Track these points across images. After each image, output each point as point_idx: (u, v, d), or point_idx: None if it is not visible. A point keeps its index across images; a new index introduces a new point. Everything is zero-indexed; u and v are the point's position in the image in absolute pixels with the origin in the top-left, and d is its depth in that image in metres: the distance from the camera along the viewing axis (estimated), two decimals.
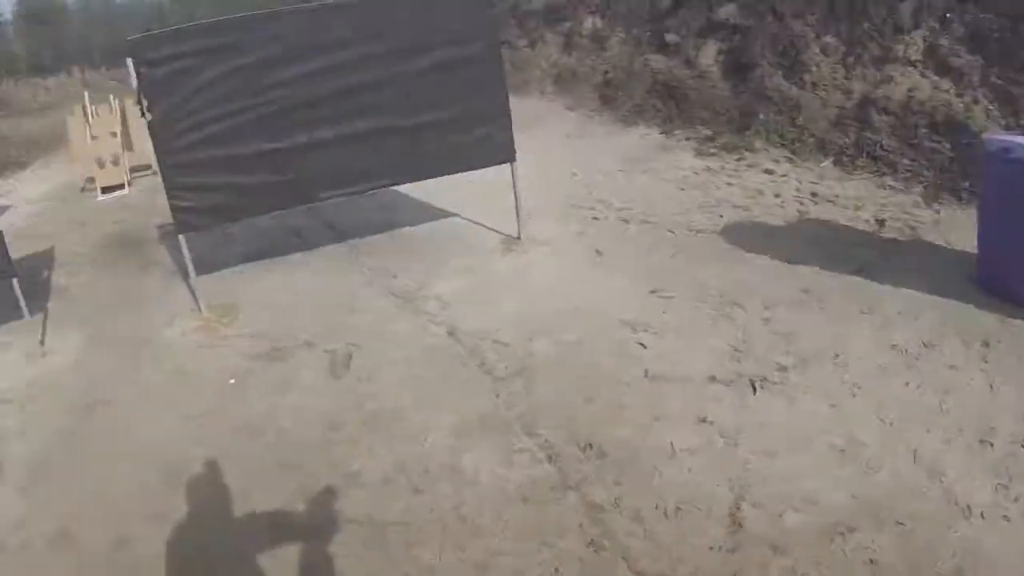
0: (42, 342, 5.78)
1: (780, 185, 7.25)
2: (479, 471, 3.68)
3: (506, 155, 6.20)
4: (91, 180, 10.02)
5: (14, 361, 5.59)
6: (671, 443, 3.69)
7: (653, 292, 5.27)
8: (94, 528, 3.60)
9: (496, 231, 6.74)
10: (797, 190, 7.02)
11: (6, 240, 5.73)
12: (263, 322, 5.58)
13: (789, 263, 5.43)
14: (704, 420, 3.84)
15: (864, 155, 7.42)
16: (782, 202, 6.87)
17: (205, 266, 6.44)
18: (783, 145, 8.13)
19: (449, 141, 5.90)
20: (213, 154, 5.42)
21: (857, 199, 6.53)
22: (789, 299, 4.92)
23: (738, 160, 8.00)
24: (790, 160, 7.78)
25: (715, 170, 7.85)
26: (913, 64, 7.72)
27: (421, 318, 5.34)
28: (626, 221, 6.76)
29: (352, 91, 5.58)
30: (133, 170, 10.32)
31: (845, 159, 7.54)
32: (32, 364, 5.49)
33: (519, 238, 6.46)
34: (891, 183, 6.71)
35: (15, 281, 5.78)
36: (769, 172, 7.59)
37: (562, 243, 6.42)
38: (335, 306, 5.69)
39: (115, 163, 9.66)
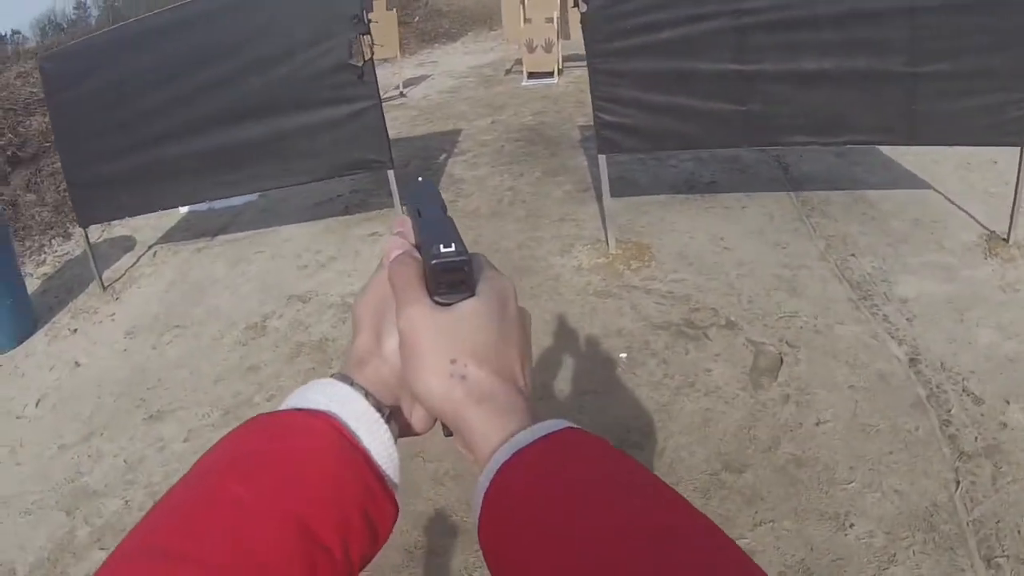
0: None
1: None
2: None
3: (1017, 136, 4.60)
4: (519, 62, 9.89)
5: (376, 259, 5.44)
6: None
7: None
8: None
9: (978, 222, 5.21)
10: None
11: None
12: (678, 278, 4.71)
13: None
14: None
15: None
16: None
17: (621, 187, 5.72)
18: None
19: (950, 103, 4.45)
20: (658, 65, 4.50)
21: None
22: None
23: None
24: None
25: None
26: None
27: (878, 325, 4.16)
28: None
29: (851, 19, 4.28)
30: (567, 59, 9.84)
31: None
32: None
33: (1008, 240, 4.92)
34: None
35: (390, 173, 5.35)
36: None
37: None
38: (772, 278, 4.64)
39: (547, 49, 9.32)
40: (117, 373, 4.64)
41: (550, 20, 9.27)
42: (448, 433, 0.57)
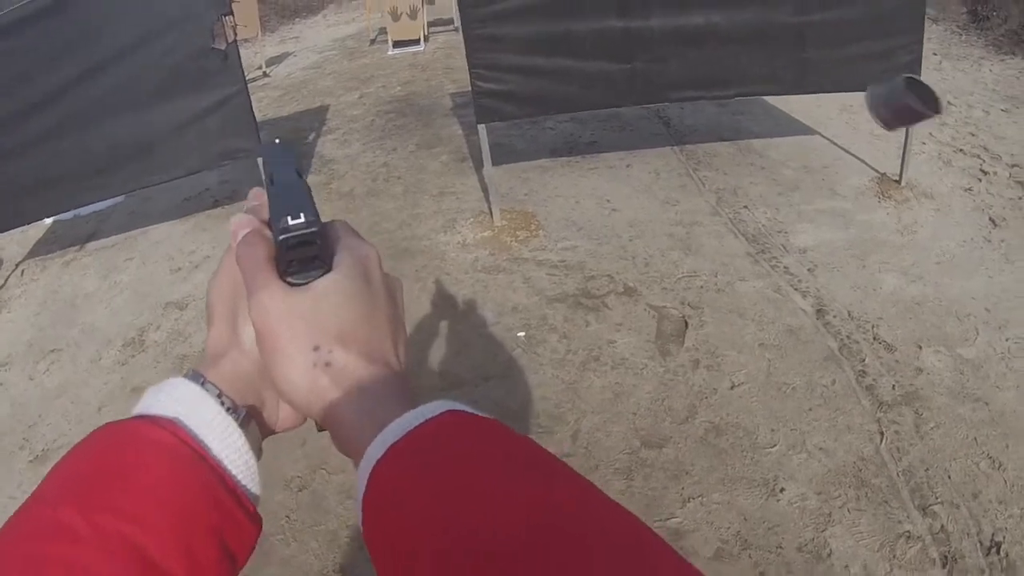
0: None
1: None
2: (851, 564, 2.47)
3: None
4: (383, 31, 9.35)
5: None
6: None
7: None
8: None
9: (868, 165, 5.18)
10: None
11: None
12: (568, 245, 4.42)
13: None
14: None
15: None
16: None
17: (500, 154, 5.37)
18: None
19: (840, 51, 4.33)
20: (538, 28, 4.16)
21: None
22: None
23: None
24: None
25: None
26: None
27: (779, 278, 4.01)
28: (1021, 183, 5.01)
29: None
30: (431, 25, 9.43)
31: None
32: None
33: (899, 182, 4.90)
34: None
35: (260, 160, 4.89)
36: None
37: (948, 198, 4.76)
38: (665, 237, 4.41)
39: (412, 16, 8.82)
40: None
41: None
42: (321, 428, 0.51)
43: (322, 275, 0.49)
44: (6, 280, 5.46)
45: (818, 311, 3.72)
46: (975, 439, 2.91)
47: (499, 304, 3.95)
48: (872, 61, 4.39)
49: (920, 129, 5.33)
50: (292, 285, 0.49)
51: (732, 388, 3.27)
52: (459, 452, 0.42)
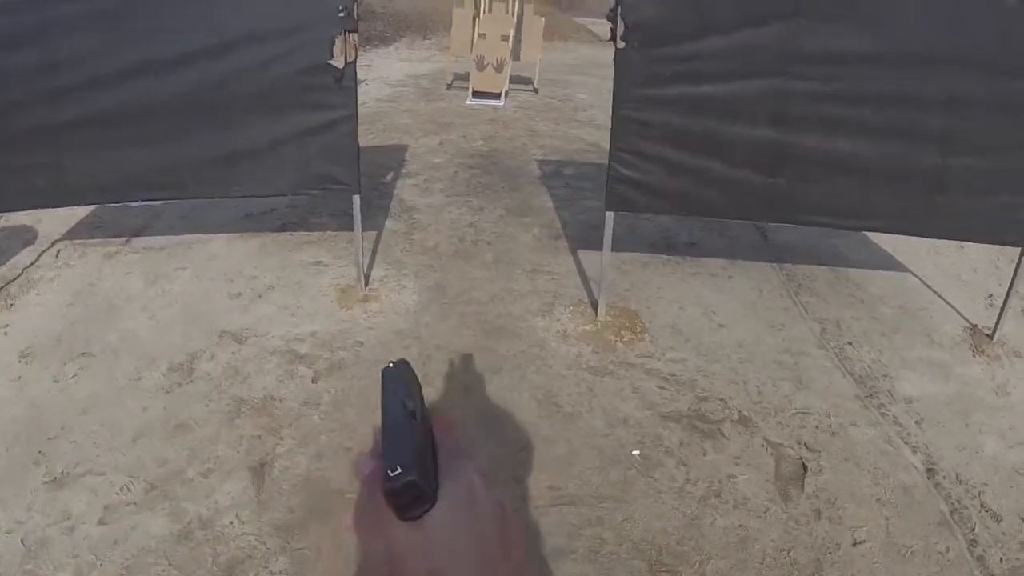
0: (365, 281, 4.78)
1: None
2: None
3: (1019, 236, 4.54)
4: (459, 77, 9.33)
5: (322, 294, 4.67)
6: None
7: None
8: None
9: (959, 313, 5.15)
10: None
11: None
12: (677, 357, 4.33)
13: None
14: None
15: None
16: None
17: (590, 237, 5.32)
18: None
19: (970, 199, 4.31)
20: (692, 121, 4.05)
21: None
22: None
23: None
24: None
25: None
26: None
27: (889, 428, 3.92)
28: None
29: (894, 101, 4.04)
30: (512, 81, 9.41)
31: None
32: (345, 308, 4.57)
33: (992, 337, 4.86)
34: None
35: (356, 198, 4.44)
36: None
37: None
38: (775, 365, 4.34)
39: (499, 69, 8.80)
40: (10, 408, 3.73)
41: (506, 38, 8.76)
42: None
43: (428, 510, 0.54)
44: (39, 257, 5.25)
45: (928, 470, 3.65)
46: None
47: (608, 413, 3.84)
48: (994, 213, 4.38)
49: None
50: (407, 520, 0.54)
51: (855, 545, 3.17)
52: None
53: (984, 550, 3.19)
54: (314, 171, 4.31)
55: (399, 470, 0.53)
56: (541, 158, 7.30)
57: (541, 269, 5.21)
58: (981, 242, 4.83)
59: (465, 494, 0.56)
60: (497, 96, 8.93)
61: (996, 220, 4.42)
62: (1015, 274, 4.66)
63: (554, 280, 5.06)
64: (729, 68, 3.93)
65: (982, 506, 3.46)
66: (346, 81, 4.14)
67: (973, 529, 3.31)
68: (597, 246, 5.39)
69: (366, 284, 4.76)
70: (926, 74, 3.97)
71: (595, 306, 4.73)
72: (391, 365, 0.67)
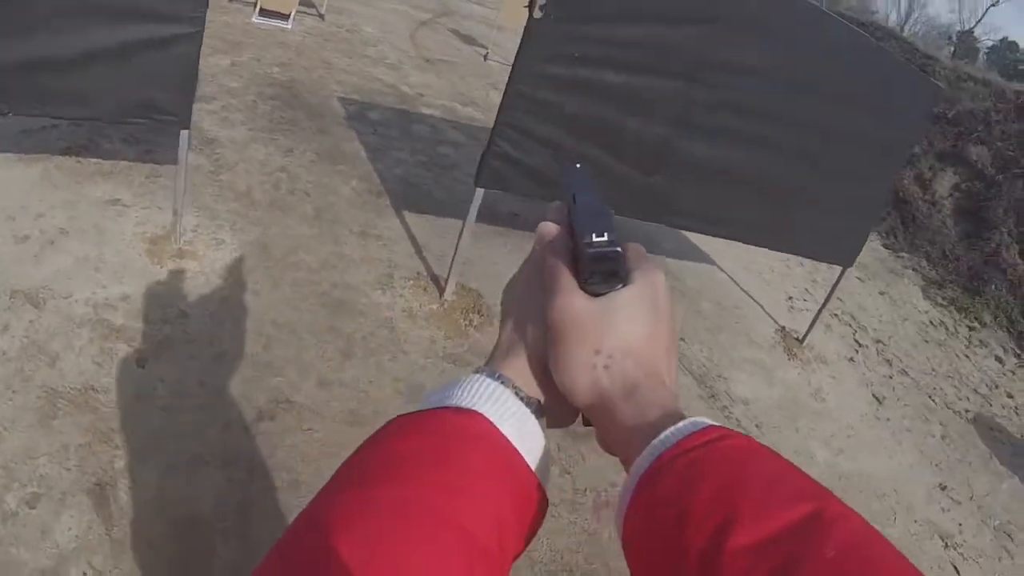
0: (177, 228, 3.84)
1: (1011, 383, 6.60)
2: None
3: (847, 258, 4.92)
4: None
5: (128, 245, 3.73)
6: None
7: (942, 488, 4.44)
8: None
9: (767, 313, 5.51)
10: None
11: None
12: None
13: None
14: None
15: None
16: (1016, 408, 6.16)
17: (414, 197, 4.94)
18: (1010, 333, 7.36)
19: (807, 219, 4.55)
20: (589, 108, 3.70)
21: None
22: None
23: (970, 330, 7.17)
24: (1017, 356, 7.09)
25: (950, 330, 7.00)
26: None
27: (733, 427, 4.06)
28: (888, 363, 5.73)
29: (776, 117, 4.09)
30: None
31: None
32: (157, 263, 3.68)
33: (801, 341, 5.26)
34: None
35: (183, 134, 3.52)
36: (1000, 361, 6.90)
37: (838, 366, 5.30)
38: None
39: None
40: None
41: None
42: (588, 423, 0.57)
43: (618, 289, 0.54)
44: None
45: None
46: None
47: None
48: (823, 233, 4.68)
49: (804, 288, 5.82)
50: (590, 293, 0.54)
51: None
52: (737, 454, 0.46)
53: None
54: (139, 96, 3.30)
55: (605, 236, 0.53)
56: (343, 96, 6.57)
57: (369, 232, 4.62)
58: (817, 259, 5.17)
59: (651, 288, 0.55)
60: (285, 17, 7.90)
61: (836, 241, 4.73)
62: (832, 289, 5.06)
63: (386, 247, 4.52)
64: (641, 61, 3.67)
65: None
66: None
67: None
68: (422, 208, 5.02)
69: (180, 236, 3.83)
70: (806, 98, 4.06)
71: (434, 279, 4.32)
72: (578, 166, 0.65)
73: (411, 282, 4.26)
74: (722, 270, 5.91)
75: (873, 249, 8.09)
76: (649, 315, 0.53)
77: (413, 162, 5.82)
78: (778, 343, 5.15)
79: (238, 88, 6.00)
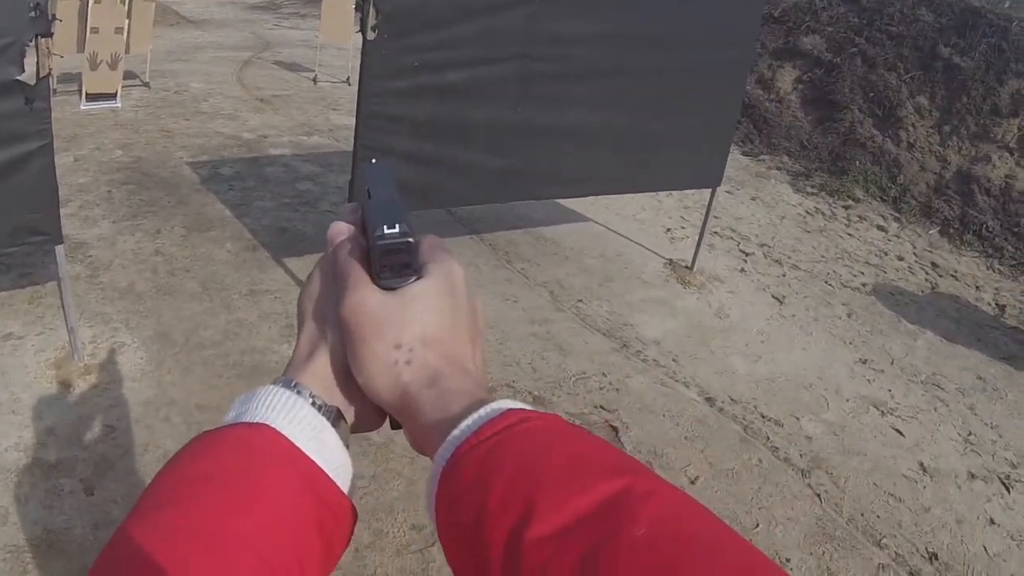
0: (75, 345, 3.74)
1: (899, 245, 7.00)
2: None
3: (713, 179, 5.19)
4: (64, 79, 7.82)
5: (36, 378, 3.62)
6: (984, 548, 3.36)
7: (863, 363, 4.75)
8: None
9: (651, 251, 5.76)
10: (915, 256, 6.76)
11: None
12: None
13: (948, 341, 5.17)
14: (993, 522, 3.53)
15: (970, 232, 7.19)
16: (909, 267, 6.55)
17: (290, 241, 4.99)
18: (884, 201, 7.81)
19: (666, 154, 4.80)
20: (438, 111, 3.86)
21: (973, 277, 6.37)
22: (971, 385, 4.68)
23: (846, 209, 7.57)
24: (897, 220, 7.49)
25: (827, 215, 7.38)
26: (1010, 150, 7.57)
27: (657, 371, 4.26)
28: (779, 263, 6.06)
29: (613, 73, 4.30)
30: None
31: (952, 231, 7.30)
32: (68, 389, 3.59)
33: (691, 268, 5.52)
34: (999, 267, 6.59)
35: (59, 249, 3.53)
36: (882, 230, 7.28)
37: (732, 281, 5.57)
38: (531, 337, 4.41)
39: (112, 66, 7.47)
40: None
41: (120, 30, 7.45)
42: (396, 425, 0.55)
43: (413, 282, 0.53)
44: None
45: (707, 399, 4.09)
46: (874, 483, 3.61)
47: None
48: (686, 164, 4.95)
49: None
50: (384, 288, 0.53)
51: (692, 483, 3.46)
52: (544, 438, 0.45)
53: (785, 452, 3.74)
54: (7, 224, 3.24)
55: (396, 228, 0.52)
56: (191, 160, 6.51)
57: (257, 289, 4.63)
58: (684, 189, 5.41)
59: (447, 278, 0.54)
60: (113, 96, 7.69)
61: (696, 169, 4.99)
62: (708, 211, 5.31)
63: (278, 299, 4.54)
64: (475, 54, 3.83)
65: (763, 417, 4.00)
66: (39, 102, 3.14)
67: (768, 438, 3.83)
68: (299, 250, 5.11)
69: (82, 352, 3.78)
70: (638, 45, 4.28)
71: None
72: (374, 161, 0.64)
73: None
74: (598, 223, 6.13)
75: (734, 159, 8.42)
76: (448, 305, 0.53)
77: (277, 206, 5.84)
78: (670, 276, 5.41)
79: (88, 183, 5.87)
